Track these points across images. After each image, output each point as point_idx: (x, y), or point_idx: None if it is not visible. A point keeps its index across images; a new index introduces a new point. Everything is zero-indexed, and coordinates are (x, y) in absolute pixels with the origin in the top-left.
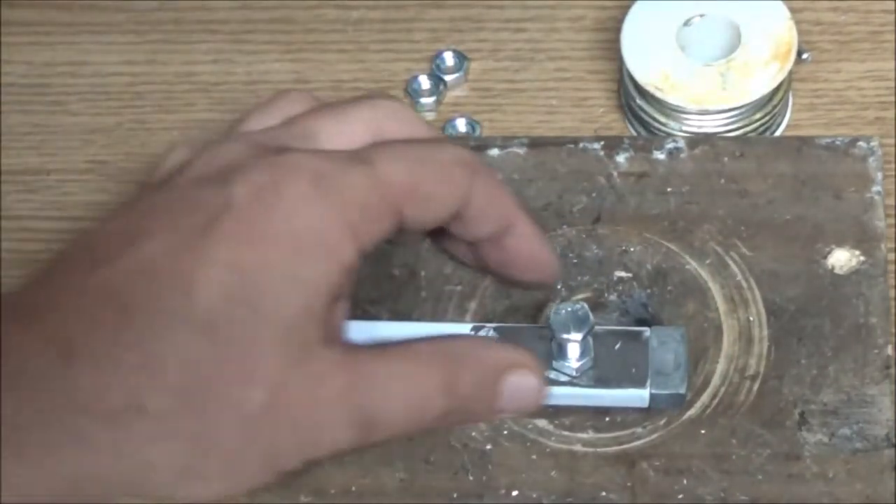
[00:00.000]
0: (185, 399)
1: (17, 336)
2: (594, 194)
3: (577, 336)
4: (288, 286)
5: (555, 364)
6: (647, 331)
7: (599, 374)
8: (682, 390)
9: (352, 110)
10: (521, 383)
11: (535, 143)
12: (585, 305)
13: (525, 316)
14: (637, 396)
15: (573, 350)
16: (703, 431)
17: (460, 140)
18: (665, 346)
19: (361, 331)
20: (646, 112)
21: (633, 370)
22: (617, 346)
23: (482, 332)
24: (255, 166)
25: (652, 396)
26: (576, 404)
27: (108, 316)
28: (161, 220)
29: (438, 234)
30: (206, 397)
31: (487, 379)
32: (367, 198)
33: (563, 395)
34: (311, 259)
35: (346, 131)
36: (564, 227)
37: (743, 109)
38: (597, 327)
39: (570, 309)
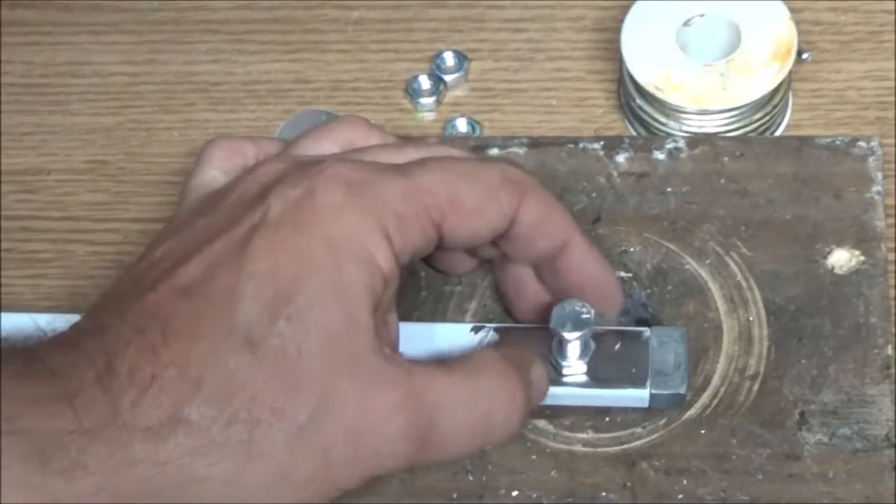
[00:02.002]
0: (229, 410)
1: (60, 358)
2: (594, 194)
3: (578, 336)
4: (326, 294)
5: (555, 364)
6: (647, 331)
7: (599, 374)
8: (682, 390)
9: (409, 147)
10: (541, 374)
11: (535, 143)
12: (586, 305)
13: None
14: (637, 396)
15: (573, 349)
16: (703, 431)
17: (460, 140)
18: (665, 346)
19: None
20: (646, 112)
21: (633, 370)
22: (617, 346)
23: (482, 332)
24: (291, 180)
25: (652, 396)
26: (576, 404)
27: (147, 335)
28: (203, 242)
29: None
30: (251, 407)
31: (528, 379)
32: (402, 206)
33: (563, 394)
34: (347, 266)
35: (396, 160)
36: None
37: (743, 109)
38: (597, 327)
39: (570, 308)
